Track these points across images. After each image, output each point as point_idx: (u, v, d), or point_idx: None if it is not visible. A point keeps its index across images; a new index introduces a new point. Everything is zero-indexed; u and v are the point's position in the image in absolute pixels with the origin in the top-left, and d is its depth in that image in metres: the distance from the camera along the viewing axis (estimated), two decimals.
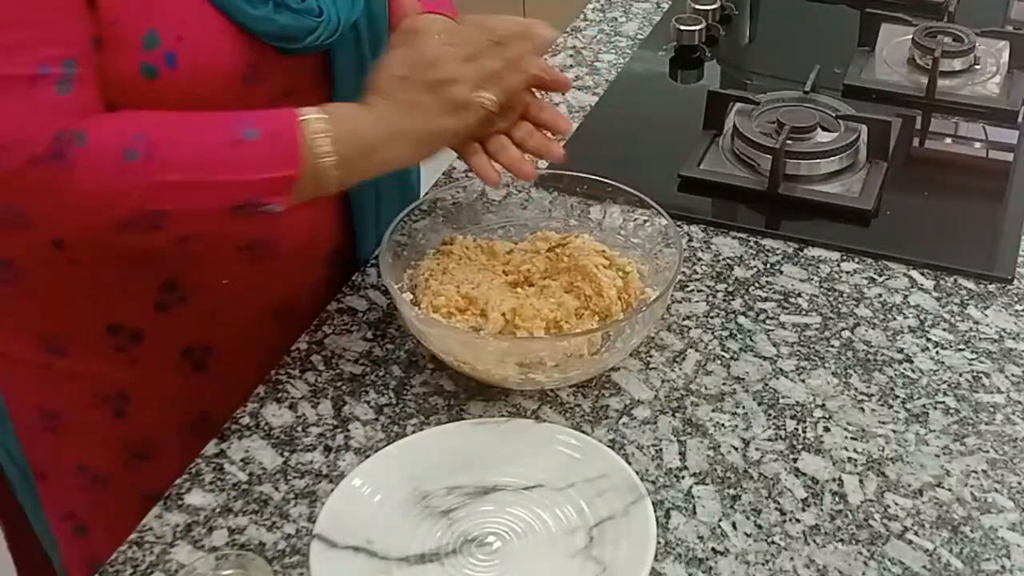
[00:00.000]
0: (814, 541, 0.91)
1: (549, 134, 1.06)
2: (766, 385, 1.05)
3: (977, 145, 1.44)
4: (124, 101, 0.93)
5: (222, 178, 0.91)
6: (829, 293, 1.16)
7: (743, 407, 1.03)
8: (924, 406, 1.03)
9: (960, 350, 1.09)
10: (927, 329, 1.11)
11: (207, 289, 1.08)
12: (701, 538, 0.92)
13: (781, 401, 1.04)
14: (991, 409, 1.03)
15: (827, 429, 1.01)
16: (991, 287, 1.16)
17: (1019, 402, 1.03)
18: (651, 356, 1.08)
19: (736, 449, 0.99)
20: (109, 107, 0.93)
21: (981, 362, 1.08)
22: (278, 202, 0.93)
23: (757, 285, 1.17)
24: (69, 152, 0.86)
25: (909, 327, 1.11)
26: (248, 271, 1.08)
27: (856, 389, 1.05)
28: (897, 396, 1.04)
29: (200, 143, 0.92)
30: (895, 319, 1.12)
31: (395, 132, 0.97)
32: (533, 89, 1.05)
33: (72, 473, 1.16)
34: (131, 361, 1.10)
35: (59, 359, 1.10)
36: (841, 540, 0.91)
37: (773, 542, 0.91)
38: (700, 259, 1.20)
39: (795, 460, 0.98)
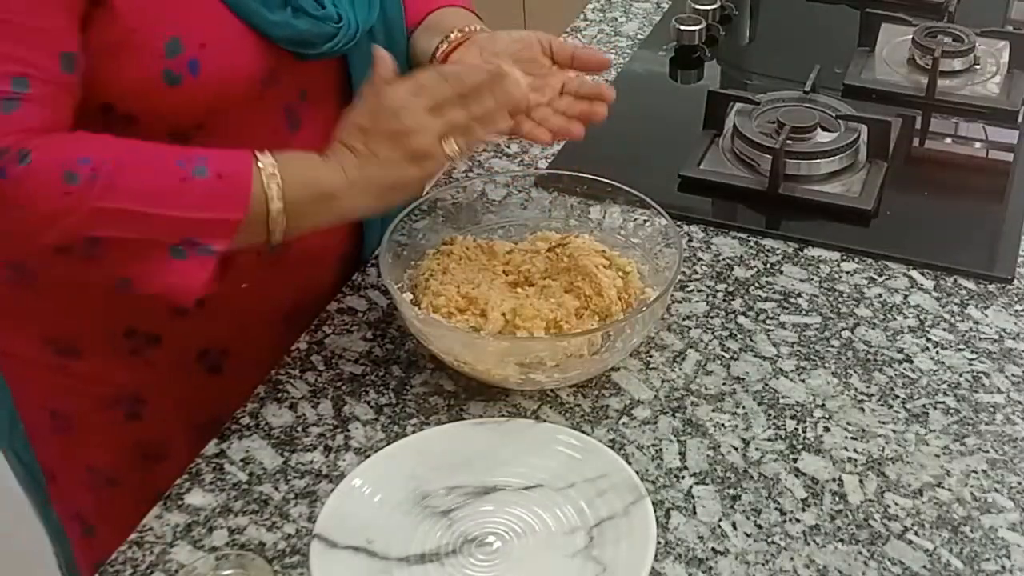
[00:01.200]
0: (814, 541, 0.91)
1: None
2: (766, 385, 1.05)
3: (977, 145, 1.44)
4: (143, 106, 0.93)
5: (164, 212, 0.89)
6: (829, 293, 1.16)
7: (743, 407, 1.03)
8: (924, 406, 1.03)
9: (960, 350, 1.09)
10: (927, 329, 1.11)
11: (226, 293, 1.07)
12: (701, 538, 0.92)
13: (781, 401, 1.04)
14: (991, 409, 1.03)
15: (827, 429, 1.01)
16: (991, 287, 1.16)
17: (1019, 402, 1.03)
18: (651, 356, 1.08)
19: (736, 449, 0.99)
20: (126, 112, 0.93)
21: (981, 362, 1.08)
22: (218, 244, 0.91)
23: (757, 285, 1.17)
24: (11, 170, 0.85)
25: (909, 327, 1.11)
26: (264, 275, 1.08)
27: (856, 389, 1.05)
28: (897, 396, 1.04)
29: (146, 174, 0.90)
30: (895, 319, 1.12)
31: (353, 182, 0.95)
32: (572, 72, 1.08)
33: (82, 474, 1.16)
34: (147, 364, 1.10)
35: (73, 362, 1.10)
36: (841, 540, 0.91)
37: (773, 542, 0.91)
38: (700, 259, 1.20)
39: (795, 460, 0.98)
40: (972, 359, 1.08)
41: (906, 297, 1.15)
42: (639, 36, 1.64)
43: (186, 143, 0.95)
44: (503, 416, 1.02)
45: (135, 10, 0.90)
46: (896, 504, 0.94)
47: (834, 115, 1.35)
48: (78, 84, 0.90)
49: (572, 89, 1.07)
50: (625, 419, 1.02)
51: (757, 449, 0.99)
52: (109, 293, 1.03)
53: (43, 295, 1.06)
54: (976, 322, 1.12)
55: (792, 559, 0.90)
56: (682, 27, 1.57)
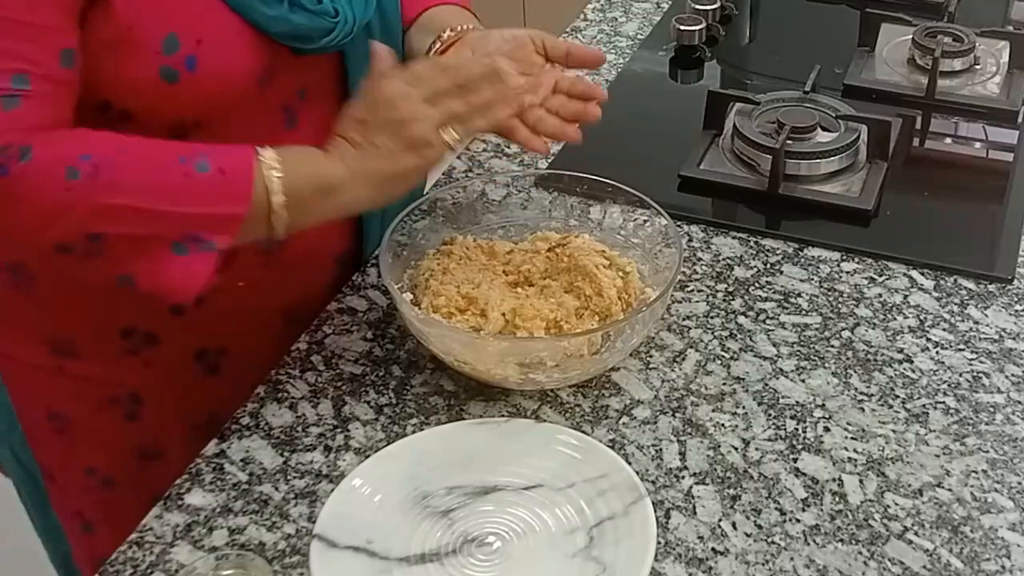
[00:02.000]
0: (814, 541, 0.91)
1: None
2: (766, 385, 1.05)
3: (977, 145, 1.44)
4: (141, 104, 0.93)
5: (166, 208, 0.89)
6: (829, 293, 1.16)
7: (743, 407, 1.03)
8: (924, 406, 1.03)
9: (960, 350, 1.09)
10: (927, 329, 1.11)
11: (222, 291, 1.07)
12: (701, 538, 0.92)
13: (781, 401, 1.04)
14: (991, 409, 1.03)
15: (827, 429, 1.01)
16: (991, 287, 1.16)
17: (1019, 402, 1.03)
18: (651, 356, 1.08)
19: (736, 449, 0.99)
20: (124, 110, 0.93)
21: (981, 362, 1.08)
22: (221, 240, 0.91)
23: (757, 285, 1.17)
24: (12, 167, 0.85)
25: (909, 327, 1.11)
26: (262, 273, 1.08)
27: (856, 389, 1.05)
28: (897, 396, 1.04)
29: (148, 170, 0.89)
30: (895, 319, 1.12)
31: (354, 174, 0.95)
32: (566, 69, 1.06)
33: (80, 474, 1.16)
34: (144, 364, 1.10)
35: (70, 362, 1.10)
36: (841, 540, 0.91)
37: (773, 542, 0.91)
38: (700, 259, 1.20)
39: (795, 460, 0.98)
40: (972, 359, 1.08)
41: (906, 297, 1.15)
42: (639, 36, 1.64)
43: (184, 141, 0.95)
44: (503, 416, 1.02)
45: (132, 7, 0.90)
46: (896, 504, 0.94)
47: (834, 115, 1.35)
48: (78, 81, 0.90)
49: (565, 88, 1.06)
50: (625, 419, 1.02)
51: (757, 449, 0.99)
52: (106, 293, 1.03)
53: (40, 296, 1.06)
54: (976, 322, 1.12)
55: (792, 559, 0.90)
56: (682, 27, 1.57)
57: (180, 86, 0.93)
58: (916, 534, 0.92)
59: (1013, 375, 1.06)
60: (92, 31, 0.90)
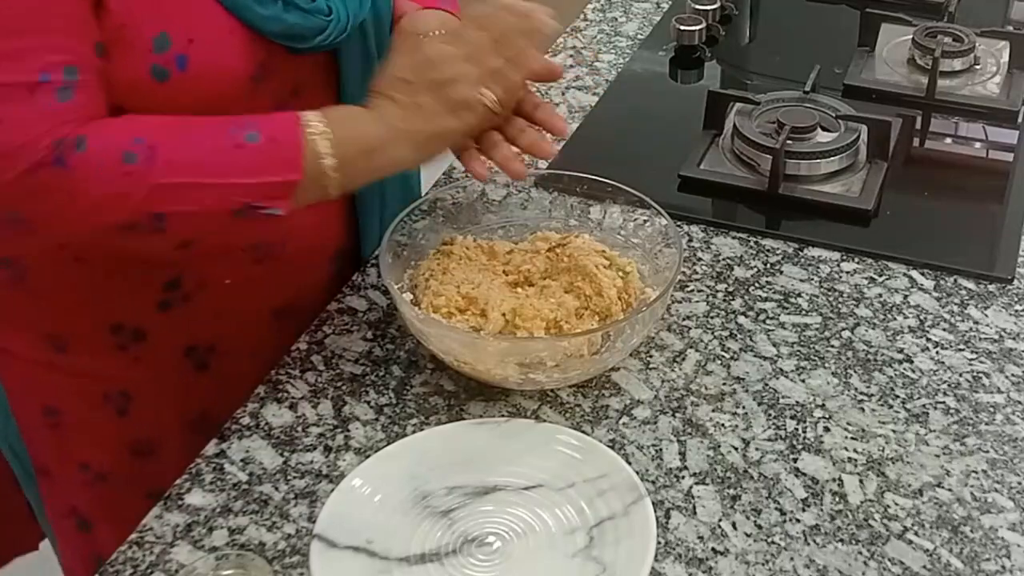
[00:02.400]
0: (814, 541, 0.91)
1: (544, 133, 1.05)
2: (766, 385, 1.05)
3: (977, 145, 1.44)
4: (133, 103, 0.94)
5: (223, 181, 0.91)
6: (829, 293, 1.16)
7: (743, 407, 1.03)
8: (924, 406, 1.03)
9: (960, 350, 1.09)
10: (927, 329, 1.11)
11: (211, 288, 1.08)
12: (701, 538, 0.92)
13: (781, 401, 1.04)
14: (991, 409, 1.03)
15: (827, 429, 1.01)
16: (991, 287, 1.16)
17: (1019, 402, 1.03)
18: (651, 356, 1.08)
19: (736, 449, 0.99)
20: (117, 109, 0.94)
21: (981, 362, 1.08)
22: (279, 206, 0.93)
23: (757, 285, 1.17)
24: (70, 158, 0.87)
25: (909, 327, 1.11)
26: (253, 271, 1.08)
27: (856, 389, 1.05)
28: (897, 396, 1.04)
29: (201, 146, 0.92)
30: (895, 319, 1.12)
31: (398, 134, 0.97)
32: (528, 82, 1.05)
33: (74, 470, 1.16)
34: (134, 359, 1.10)
35: (63, 357, 1.10)
36: (841, 540, 0.91)
37: (773, 542, 0.91)
38: (700, 259, 1.20)
39: (795, 460, 0.98)
40: (972, 359, 1.08)
41: (906, 297, 1.15)
42: (639, 36, 1.64)
43: None
44: (503, 416, 1.02)
45: (124, 6, 0.91)
46: (896, 504, 0.94)
47: (834, 115, 1.35)
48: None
49: (527, 112, 1.04)
50: (625, 419, 1.02)
51: (757, 449, 0.99)
52: (95, 289, 1.04)
53: (32, 290, 1.06)
54: (976, 322, 1.12)
55: (792, 559, 0.90)
56: (682, 27, 1.57)
57: (170, 85, 0.93)
58: (916, 534, 0.92)
59: (1013, 375, 1.06)
60: None
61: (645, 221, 1.13)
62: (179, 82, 0.93)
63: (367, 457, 0.96)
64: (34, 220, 0.90)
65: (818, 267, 1.19)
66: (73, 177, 0.87)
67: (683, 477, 0.97)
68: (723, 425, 1.01)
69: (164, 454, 1.11)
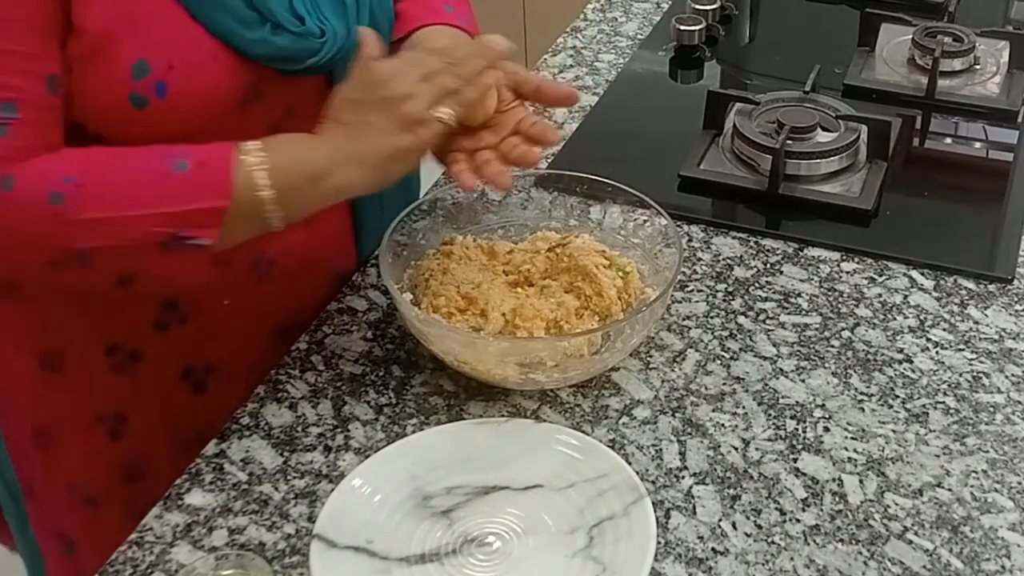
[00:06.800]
0: (814, 541, 0.91)
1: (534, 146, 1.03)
2: (766, 385, 1.05)
3: (977, 145, 1.44)
4: (112, 130, 0.93)
5: (145, 212, 0.88)
6: (829, 293, 1.16)
7: (743, 407, 1.03)
8: (924, 406, 1.03)
9: (960, 350, 1.09)
10: (927, 329, 1.11)
11: (208, 309, 1.06)
12: (701, 538, 0.92)
13: (781, 401, 1.04)
14: (991, 409, 1.03)
15: (827, 429, 1.01)
16: (991, 287, 1.16)
17: (1019, 402, 1.03)
18: (651, 356, 1.08)
19: (736, 449, 0.99)
20: (96, 137, 0.93)
21: (981, 362, 1.08)
22: (206, 235, 0.90)
23: (757, 285, 1.17)
24: None
25: (909, 327, 1.11)
26: (252, 290, 1.07)
27: (856, 389, 1.05)
28: (897, 396, 1.04)
29: (128, 178, 0.89)
30: (895, 319, 1.12)
31: (345, 155, 0.93)
32: (530, 104, 1.03)
33: (63, 492, 1.14)
34: (130, 381, 1.08)
35: (56, 377, 1.08)
36: (841, 540, 0.91)
37: (773, 542, 0.91)
38: (700, 259, 1.20)
39: (795, 460, 0.98)
40: (972, 359, 1.08)
41: (906, 297, 1.15)
42: (639, 36, 1.64)
43: None
44: (503, 416, 1.02)
45: (103, 32, 0.89)
46: (896, 504, 0.94)
47: (834, 115, 1.35)
48: (63, 105, 0.90)
49: (524, 129, 1.02)
50: (625, 419, 1.02)
51: (757, 449, 0.99)
52: (90, 308, 1.03)
53: (25, 308, 1.05)
54: (976, 322, 1.12)
55: (792, 559, 0.90)
56: (682, 27, 1.57)
57: (149, 112, 0.91)
58: (916, 534, 0.92)
59: (1013, 375, 1.06)
60: (67, 56, 0.90)
61: (645, 221, 1.13)
62: (157, 109, 0.91)
63: (367, 457, 0.96)
64: None
65: (818, 267, 1.19)
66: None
67: (683, 477, 0.97)
68: (723, 425, 1.01)
69: (157, 478, 1.06)
